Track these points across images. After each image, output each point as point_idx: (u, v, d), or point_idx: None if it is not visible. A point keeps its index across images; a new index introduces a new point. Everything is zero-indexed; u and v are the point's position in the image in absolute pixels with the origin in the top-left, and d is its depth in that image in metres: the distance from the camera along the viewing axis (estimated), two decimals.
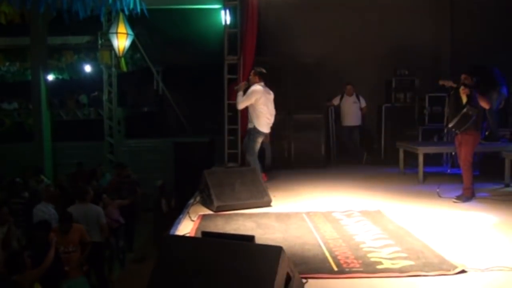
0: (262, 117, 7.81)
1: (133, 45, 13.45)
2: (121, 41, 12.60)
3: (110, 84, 14.23)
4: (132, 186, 10.00)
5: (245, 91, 7.89)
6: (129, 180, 10.14)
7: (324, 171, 9.87)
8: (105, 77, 14.21)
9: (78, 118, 15.08)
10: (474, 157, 7.31)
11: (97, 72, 15.87)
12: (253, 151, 7.87)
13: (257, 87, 7.76)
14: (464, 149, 7.00)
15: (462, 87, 6.89)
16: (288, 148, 10.26)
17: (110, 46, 13.19)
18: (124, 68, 14.02)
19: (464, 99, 6.89)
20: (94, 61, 16.78)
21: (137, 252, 9.97)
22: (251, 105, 7.82)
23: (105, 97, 14.24)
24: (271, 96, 7.92)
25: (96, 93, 15.77)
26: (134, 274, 8.51)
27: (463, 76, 7.09)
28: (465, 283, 3.97)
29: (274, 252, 3.33)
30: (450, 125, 7.07)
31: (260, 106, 7.76)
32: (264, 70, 7.91)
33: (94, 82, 16.00)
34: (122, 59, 13.51)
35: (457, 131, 7.00)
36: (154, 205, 10.76)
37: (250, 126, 8.02)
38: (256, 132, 7.84)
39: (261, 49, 9.71)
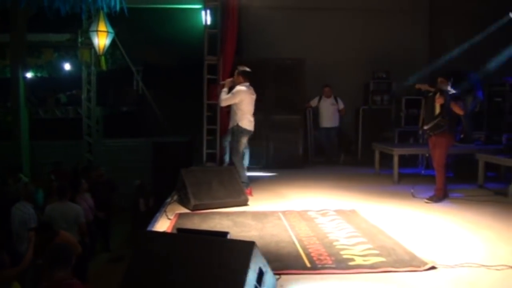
0: (246, 115, 7.72)
1: (113, 43, 13.40)
2: (102, 39, 12.52)
3: (89, 83, 14.14)
4: (106, 185, 9.92)
5: (230, 89, 7.81)
6: (102, 180, 10.06)
7: (301, 171, 9.97)
8: (84, 75, 14.12)
9: (56, 116, 14.92)
10: (448, 159, 7.46)
11: (77, 70, 15.76)
12: (236, 151, 7.74)
13: (242, 88, 7.67)
14: (438, 151, 7.14)
15: (437, 95, 6.99)
16: (266, 148, 10.32)
17: (90, 44, 13.10)
18: (104, 67, 13.95)
19: (438, 109, 6.99)
20: (73, 59, 16.65)
21: (114, 252, 9.93)
22: (235, 104, 7.75)
23: (84, 95, 14.14)
24: (254, 96, 7.85)
25: (74, 91, 15.64)
26: (111, 273, 8.47)
27: (439, 79, 7.21)
28: (435, 278, 4.09)
29: (246, 247, 3.40)
30: (425, 128, 7.20)
31: (244, 106, 7.68)
32: (247, 69, 7.82)
33: (74, 80, 15.87)
34: (102, 58, 13.42)
35: (431, 133, 7.14)
36: (132, 204, 10.71)
37: (232, 124, 7.85)
38: (239, 131, 7.70)
39: (241, 49, 9.77)
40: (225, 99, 7.74)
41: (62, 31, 14.18)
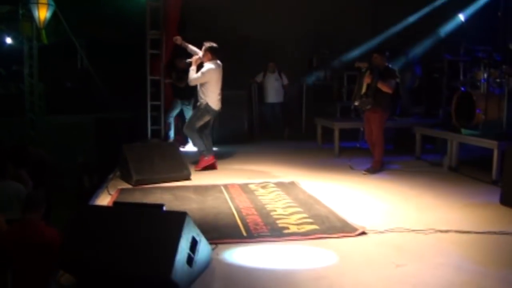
0: (214, 93, 7.58)
1: (56, 17, 13.01)
2: (42, 11, 12.14)
3: (31, 57, 13.73)
4: (38, 163, 9.67)
5: (198, 67, 7.63)
6: (32, 159, 9.79)
7: (246, 146, 10.06)
8: (26, 49, 13.69)
9: None
10: (388, 132, 7.66)
11: (19, 44, 15.24)
12: (193, 126, 7.64)
13: (211, 66, 7.48)
14: (374, 126, 7.33)
15: (367, 73, 7.14)
16: (211, 124, 10.32)
17: (31, 17, 12.71)
18: (45, 41, 13.55)
19: (364, 88, 7.14)
20: (15, 32, 16.08)
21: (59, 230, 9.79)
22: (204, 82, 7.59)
23: (26, 71, 13.74)
24: (221, 71, 7.66)
25: (14, 67, 15.14)
26: None
27: (374, 55, 7.35)
28: (365, 243, 4.32)
29: (179, 217, 3.47)
30: (355, 104, 7.40)
31: (213, 84, 7.54)
32: (215, 45, 7.59)
33: (16, 55, 15.35)
34: (43, 31, 13.04)
35: (363, 109, 7.35)
36: (76, 182, 10.57)
37: (201, 101, 7.65)
38: (206, 110, 7.58)
39: (185, 24, 9.69)
40: (194, 78, 7.55)
41: (2, 2, 13.64)
